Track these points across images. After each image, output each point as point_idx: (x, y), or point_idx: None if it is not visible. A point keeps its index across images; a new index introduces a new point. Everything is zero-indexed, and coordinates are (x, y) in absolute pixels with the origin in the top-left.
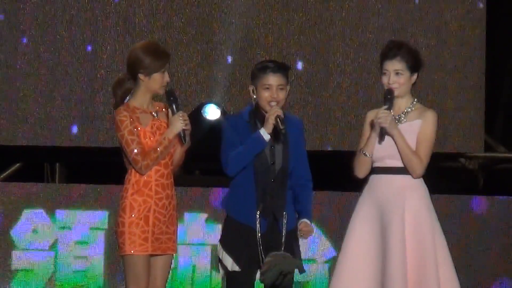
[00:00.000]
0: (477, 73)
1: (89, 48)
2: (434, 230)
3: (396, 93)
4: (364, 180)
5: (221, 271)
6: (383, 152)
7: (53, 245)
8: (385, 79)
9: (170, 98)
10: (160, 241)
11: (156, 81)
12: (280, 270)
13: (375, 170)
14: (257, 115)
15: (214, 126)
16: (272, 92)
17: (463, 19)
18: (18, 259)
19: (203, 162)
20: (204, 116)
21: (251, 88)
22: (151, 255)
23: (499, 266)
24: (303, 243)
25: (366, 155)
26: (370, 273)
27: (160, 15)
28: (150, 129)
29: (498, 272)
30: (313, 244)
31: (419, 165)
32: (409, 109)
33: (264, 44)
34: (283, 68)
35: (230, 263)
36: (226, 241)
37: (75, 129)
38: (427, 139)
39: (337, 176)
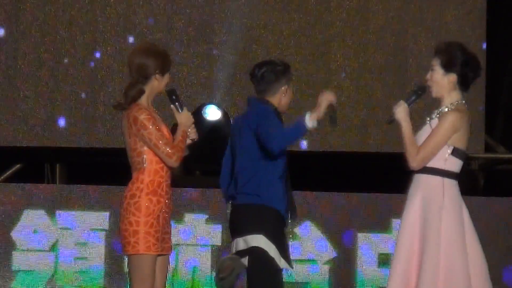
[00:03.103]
0: None
1: (89, 49)
2: (447, 229)
3: (433, 92)
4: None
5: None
6: None
7: (53, 246)
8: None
9: (172, 97)
10: (165, 241)
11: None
12: (237, 273)
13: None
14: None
15: (215, 127)
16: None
17: (463, 19)
18: (19, 259)
19: (203, 163)
20: (204, 117)
21: (284, 88)
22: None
23: (499, 267)
24: (302, 243)
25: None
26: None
27: (161, 16)
28: (166, 127)
29: (498, 273)
30: (313, 245)
31: (413, 157)
32: (446, 109)
33: (265, 44)
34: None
35: (282, 262)
36: (275, 236)
37: (75, 129)
38: (432, 135)
39: (337, 177)
